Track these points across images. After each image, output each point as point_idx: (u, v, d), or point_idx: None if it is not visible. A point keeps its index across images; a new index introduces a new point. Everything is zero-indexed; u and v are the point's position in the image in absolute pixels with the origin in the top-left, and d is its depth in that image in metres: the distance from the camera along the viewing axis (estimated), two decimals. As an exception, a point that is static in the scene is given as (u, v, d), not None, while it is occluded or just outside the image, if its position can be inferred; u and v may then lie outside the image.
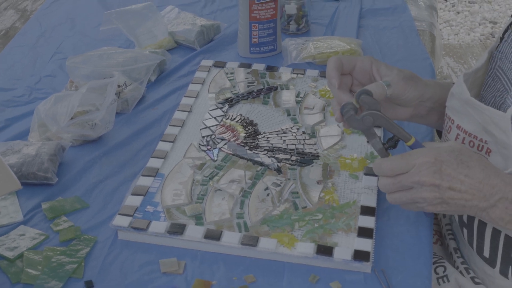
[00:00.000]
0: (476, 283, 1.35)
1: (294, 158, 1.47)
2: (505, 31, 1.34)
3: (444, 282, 1.38)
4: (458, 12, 4.82)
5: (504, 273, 1.29)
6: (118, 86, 1.66)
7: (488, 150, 1.23)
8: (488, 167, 1.17)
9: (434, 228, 1.57)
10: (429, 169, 1.16)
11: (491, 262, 1.31)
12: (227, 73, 1.79)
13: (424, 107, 1.39)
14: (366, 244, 1.25)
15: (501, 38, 1.34)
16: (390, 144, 1.28)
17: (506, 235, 1.24)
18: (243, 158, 1.47)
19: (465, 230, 1.36)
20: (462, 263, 1.40)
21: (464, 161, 1.17)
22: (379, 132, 1.52)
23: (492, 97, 1.32)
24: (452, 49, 4.27)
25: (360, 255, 1.23)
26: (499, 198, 1.15)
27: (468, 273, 1.38)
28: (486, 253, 1.31)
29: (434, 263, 1.41)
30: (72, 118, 1.50)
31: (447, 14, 4.79)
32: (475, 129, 1.24)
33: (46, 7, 2.25)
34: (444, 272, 1.39)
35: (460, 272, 1.39)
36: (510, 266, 1.27)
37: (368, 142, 1.29)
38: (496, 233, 1.27)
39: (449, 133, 1.30)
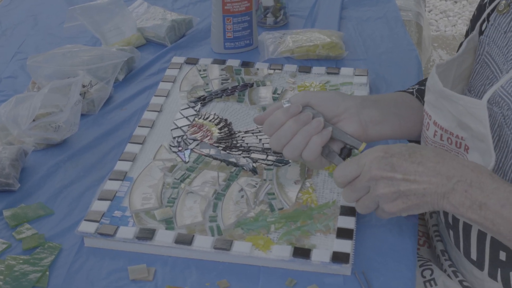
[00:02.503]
0: (465, 287, 1.39)
1: (270, 157, 1.52)
2: (488, 15, 1.38)
3: (431, 285, 1.41)
4: (455, 2, 4.87)
5: (493, 276, 1.32)
6: (83, 86, 1.70)
7: (466, 147, 1.25)
8: (443, 152, 1.21)
9: (421, 229, 1.61)
10: (380, 162, 1.20)
11: (479, 265, 1.34)
12: (199, 70, 1.83)
13: (368, 114, 1.39)
14: (345, 246, 1.29)
15: (484, 22, 1.38)
16: (345, 154, 1.33)
17: (492, 237, 1.27)
18: (216, 159, 1.52)
19: (451, 232, 1.39)
20: (450, 266, 1.44)
21: (416, 150, 1.21)
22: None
23: (481, 86, 1.34)
24: (445, 41, 4.31)
25: (339, 257, 1.27)
26: (457, 181, 1.16)
27: (456, 276, 1.41)
28: (474, 255, 1.34)
29: (420, 266, 1.45)
30: (34, 121, 1.53)
31: (444, 4, 4.83)
32: (450, 124, 1.26)
33: (7, 4, 2.28)
34: (431, 275, 1.43)
35: (448, 275, 1.43)
36: (499, 269, 1.30)
37: (324, 156, 1.33)
38: (482, 235, 1.30)
39: (428, 130, 1.32)
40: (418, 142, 1.44)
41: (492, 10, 1.36)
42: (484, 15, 1.38)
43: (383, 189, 1.20)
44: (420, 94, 1.49)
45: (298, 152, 1.31)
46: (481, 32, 1.38)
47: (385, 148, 1.22)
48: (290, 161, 1.50)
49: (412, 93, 1.51)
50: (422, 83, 1.53)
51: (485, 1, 1.40)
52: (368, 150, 1.24)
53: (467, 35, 1.43)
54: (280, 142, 1.31)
